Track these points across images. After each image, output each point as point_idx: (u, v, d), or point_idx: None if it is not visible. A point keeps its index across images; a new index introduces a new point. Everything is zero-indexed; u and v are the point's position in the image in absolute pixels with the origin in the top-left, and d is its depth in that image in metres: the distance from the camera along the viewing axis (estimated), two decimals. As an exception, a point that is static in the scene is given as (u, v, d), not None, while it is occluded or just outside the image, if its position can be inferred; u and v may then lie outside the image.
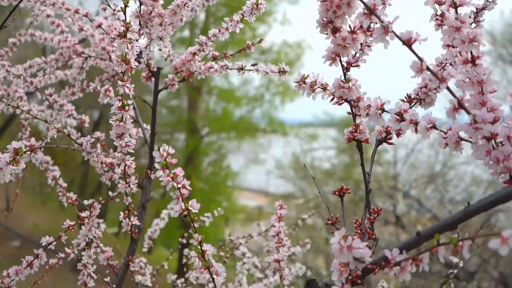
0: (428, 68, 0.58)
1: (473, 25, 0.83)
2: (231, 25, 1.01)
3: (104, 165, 1.15)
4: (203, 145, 11.87)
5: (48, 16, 1.29)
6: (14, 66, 1.29)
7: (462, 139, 0.63)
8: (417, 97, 0.78)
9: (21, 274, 1.02)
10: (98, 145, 1.16)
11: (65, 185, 1.21)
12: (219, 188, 11.62)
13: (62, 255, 1.25)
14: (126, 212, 1.08)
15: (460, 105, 0.59)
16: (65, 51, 1.31)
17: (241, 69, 1.07)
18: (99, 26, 1.17)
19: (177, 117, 12.12)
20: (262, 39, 1.14)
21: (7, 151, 0.75)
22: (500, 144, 0.61)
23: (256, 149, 12.44)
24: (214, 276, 0.74)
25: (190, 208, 0.73)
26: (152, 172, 1.12)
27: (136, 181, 1.02)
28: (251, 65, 1.06)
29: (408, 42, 0.58)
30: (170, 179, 0.71)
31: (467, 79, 0.63)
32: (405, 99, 0.79)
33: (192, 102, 11.79)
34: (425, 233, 0.59)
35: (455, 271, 1.23)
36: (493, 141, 0.61)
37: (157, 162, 0.71)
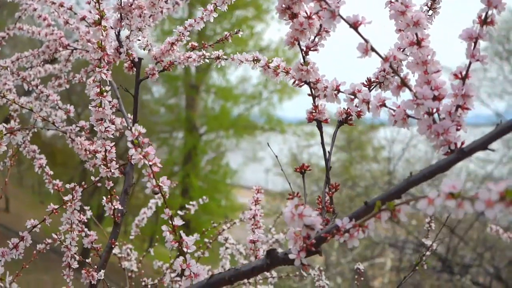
0: (372, 49, 0.63)
1: (430, 12, 0.87)
2: (205, 15, 1.06)
3: (87, 152, 1.19)
4: (201, 143, 11.92)
5: (35, 9, 1.34)
6: (2, 59, 1.34)
7: (409, 116, 0.67)
8: (377, 80, 0.83)
9: (7, 255, 1.06)
10: (83, 133, 1.21)
11: (51, 172, 1.25)
12: (218, 186, 11.67)
13: (49, 240, 1.30)
14: (109, 196, 1.12)
15: (403, 83, 0.64)
16: (52, 43, 1.36)
17: (217, 58, 1.12)
18: (83, 19, 1.21)
19: (175, 115, 12.16)
20: (239, 30, 1.18)
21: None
22: (443, 119, 0.65)
23: (255, 147, 12.48)
24: (184, 249, 0.78)
25: (161, 184, 0.77)
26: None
27: (117, 166, 1.06)
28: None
29: (354, 25, 0.63)
30: (141, 157, 0.76)
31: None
32: (365, 82, 0.83)
33: (190, 100, 11.84)
34: (372, 202, 0.64)
35: (428, 253, 1.28)
36: (436, 116, 0.65)
37: (129, 141, 0.75)
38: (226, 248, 1.52)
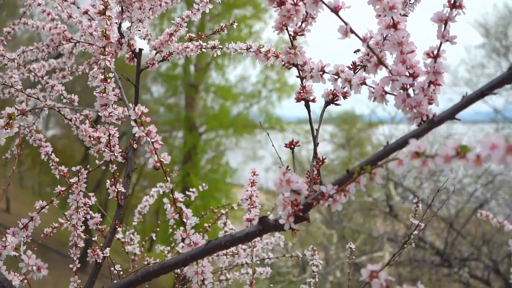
0: (352, 31, 0.69)
1: (412, 0, 0.94)
2: (201, 6, 1.13)
3: (92, 139, 1.26)
4: (201, 142, 11.98)
5: (39, 4, 1.40)
6: (8, 52, 1.40)
7: (386, 92, 0.74)
8: (361, 63, 0.89)
9: (17, 235, 1.13)
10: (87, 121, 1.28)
11: (57, 160, 1.31)
12: (218, 185, 11.71)
13: (56, 224, 1.36)
14: (112, 179, 1.19)
15: (379, 61, 0.70)
16: (56, 37, 1.42)
17: (213, 47, 1.19)
18: (86, 12, 1.28)
19: (175, 115, 12.23)
20: (234, 22, 1.25)
21: (1, 116, 0.86)
22: (417, 95, 0.72)
23: (254, 145, 12.53)
24: (184, 220, 0.85)
25: (162, 159, 0.83)
26: (135, 142, 1.23)
27: (120, 150, 1.13)
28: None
29: (335, 9, 0.69)
30: (144, 134, 0.82)
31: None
32: (350, 66, 0.90)
33: (190, 100, 11.90)
34: (352, 170, 0.70)
35: (416, 232, 1.34)
36: (411, 91, 0.72)
37: (133, 120, 0.81)
38: (226, 232, 1.58)
